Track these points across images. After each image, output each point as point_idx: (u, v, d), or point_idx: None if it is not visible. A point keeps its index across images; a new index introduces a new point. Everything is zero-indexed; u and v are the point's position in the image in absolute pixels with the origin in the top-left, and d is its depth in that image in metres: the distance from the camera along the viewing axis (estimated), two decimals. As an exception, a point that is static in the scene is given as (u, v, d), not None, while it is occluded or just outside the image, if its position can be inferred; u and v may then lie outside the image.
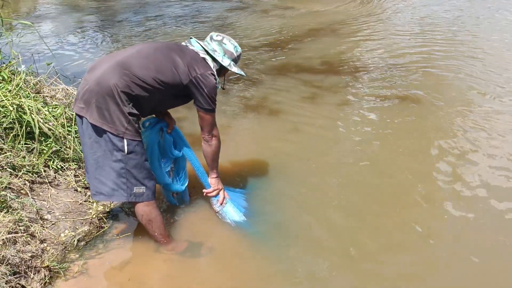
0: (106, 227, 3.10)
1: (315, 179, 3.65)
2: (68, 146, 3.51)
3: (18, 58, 4.05)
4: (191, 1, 10.22)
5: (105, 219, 3.16)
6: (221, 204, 3.19)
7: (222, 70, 2.99)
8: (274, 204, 3.39)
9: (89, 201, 3.25)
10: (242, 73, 3.06)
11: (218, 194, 3.20)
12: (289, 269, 2.81)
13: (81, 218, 3.09)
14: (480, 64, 5.85)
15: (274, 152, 4.03)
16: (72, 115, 3.72)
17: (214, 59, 2.89)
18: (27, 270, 2.54)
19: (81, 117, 2.62)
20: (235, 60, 3.01)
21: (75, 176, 3.42)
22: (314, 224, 3.18)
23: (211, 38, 2.96)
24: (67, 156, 3.48)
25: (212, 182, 3.17)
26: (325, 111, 4.82)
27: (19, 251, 2.57)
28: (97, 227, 3.08)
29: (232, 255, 2.97)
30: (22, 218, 2.79)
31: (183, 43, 2.96)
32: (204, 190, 3.20)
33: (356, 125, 4.47)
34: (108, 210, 3.22)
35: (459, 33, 7.22)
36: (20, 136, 3.28)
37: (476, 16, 8.17)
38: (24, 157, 3.23)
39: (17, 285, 2.44)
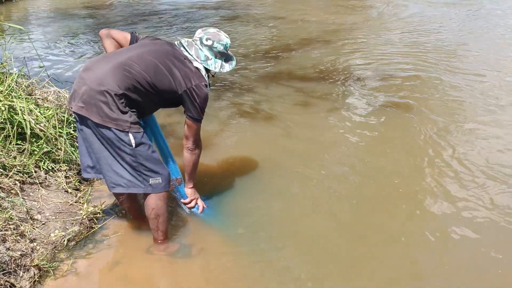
0: (96, 228, 3.08)
1: (304, 185, 3.65)
2: (59, 147, 3.49)
3: (10, 60, 4.05)
4: (184, 11, 10.27)
5: (95, 220, 3.13)
6: (200, 212, 3.24)
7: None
8: (261, 208, 3.38)
9: (80, 202, 3.24)
10: (233, 66, 3.10)
11: (196, 203, 3.25)
12: (277, 272, 2.80)
13: (72, 219, 3.07)
14: (473, 73, 5.91)
15: (264, 157, 4.03)
16: (64, 116, 3.72)
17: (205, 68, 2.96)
18: (16, 268, 2.52)
19: (80, 116, 2.63)
20: (227, 56, 3.07)
21: (65, 177, 3.42)
22: (302, 230, 3.17)
23: (202, 43, 2.95)
24: (58, 157, 3.47)
25: (189, 192, 3.21)
26: (316, 118, 4.85)
27: (8, 249, 2.55)
28: (87, 228, 3.06)
29: (222, 257, 2.96)
30: (12, 217, 2.77)
31: (176, 43, 3.00)
32: (182, 201, 3.23)
33: (347, 132, 4.49)
34: (99, 211, 3.19)
35: (451, 44, 7.29)
36: (11, 136, 3.27)
37: (470, 28, 8.27)
38: (15, 157, 3.22)
39: (6, 283, 2.41)
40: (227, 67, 3.06)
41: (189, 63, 2.88)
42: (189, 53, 2.94)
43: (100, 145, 2.67)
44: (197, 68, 2.90)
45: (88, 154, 2.79)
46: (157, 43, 2.96)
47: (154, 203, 2.81)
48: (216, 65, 2.99)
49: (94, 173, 2.84)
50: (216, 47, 2.97)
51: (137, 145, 2.64)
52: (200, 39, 2.97)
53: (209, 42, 2.96)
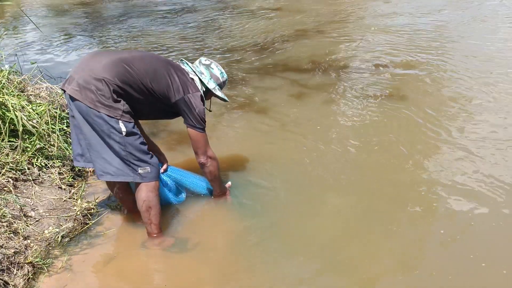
0: (90, 224, 3.07)
1: (299, 177, 3.63)
2: (52, 143, 3.48)
3: (2, 57, 4.01)
4: (178, 4, 10.21)
5: (89, 216, 3.13)
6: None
7: (207, 93, 3.12)
8: (255, 199, 3.37)
9: (74, 198, 3.23)
10: (226, 98, 3.21)
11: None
12: (272, 264, 2.79)
13: (65, 215, 3.06)
14: (465, 64, 5.88)
15: (260, 149, 4.03)
16: (57, 112, 3.69)
17: (201, 82, 3.04)
18: (10, 266, 2.51)
19: (74, 100, 2.65)
20: (221, 86, 3.17)
21: (59, 173, 3.40)
22: (300, 222, 3.15)
23: (200, 62, 3.13)
24: (51, 154, 3.46)
25: (217, 198, 3.33)
26: (311, 109, 4.83)
27: (1, 247, 2.54)
28: (81, 224, 3.06)
29: (217, 251, 2.96)
30: (5, 215, 2.76)
31: (178, 62, 3.09)
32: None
33: (342, 122, 4.49)
34: (93, 206, 3.18)
35: (446, 35, 7.24)
36: (4, 133, 3.25)
37: (464, 20, 8.20)
38: (7, 155, 3.21)
39: (0, 281, 2.40)
40: (220, 93, 3.15)
41: (186, 74, 2.98)
42: (187, 67, 3.05)
43: (91, 131, 2.69)
44: (192, 79, 2.99)
45: (78, 142, 2.80)
46: (155, 54, 3.16)
47: (145, 195, 2.81)
48: (210, 83, 3.08)
49: (84, 161, 2.85)
50: (212, 68, 3.13)
51: (128, 134, 2.68)
52: (200, 60, 3.16)
53: (207, 62, 3.15)
